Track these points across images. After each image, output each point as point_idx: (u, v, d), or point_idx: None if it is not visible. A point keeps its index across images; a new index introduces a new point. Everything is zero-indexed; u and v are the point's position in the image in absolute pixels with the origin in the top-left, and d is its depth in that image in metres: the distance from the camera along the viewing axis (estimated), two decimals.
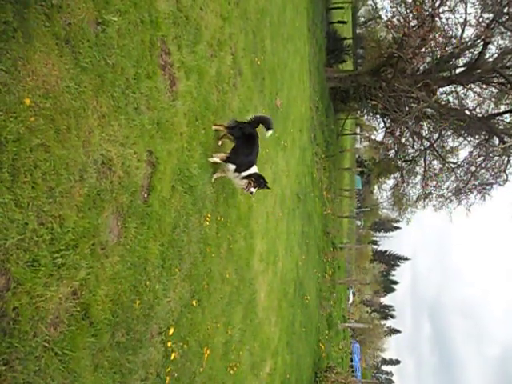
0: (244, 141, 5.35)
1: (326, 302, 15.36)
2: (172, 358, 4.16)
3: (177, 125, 4.47)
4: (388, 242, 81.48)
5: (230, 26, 6.51)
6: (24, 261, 2.37)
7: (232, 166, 5.14)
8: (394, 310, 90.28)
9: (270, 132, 5.61)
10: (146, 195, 3.81)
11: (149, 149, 3.85)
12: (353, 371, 23.05)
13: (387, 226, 76.44)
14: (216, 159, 5.26)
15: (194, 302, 4.74)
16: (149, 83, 3.90)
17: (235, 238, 6.20)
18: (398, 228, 78.42)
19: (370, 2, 37.11)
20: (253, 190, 5.21)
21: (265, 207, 7.97)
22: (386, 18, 20.27)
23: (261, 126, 5.54)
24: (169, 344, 4.11)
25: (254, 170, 5.23)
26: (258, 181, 5.22)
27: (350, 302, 30.39)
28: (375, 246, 72.48)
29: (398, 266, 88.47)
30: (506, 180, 19.65)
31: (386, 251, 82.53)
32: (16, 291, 2.30)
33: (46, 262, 2.52)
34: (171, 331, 4.16)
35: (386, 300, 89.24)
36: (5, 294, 2.24)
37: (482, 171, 20.17)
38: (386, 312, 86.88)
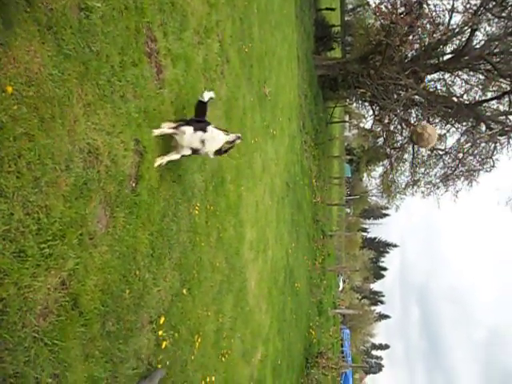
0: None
1: (316, 289, 15.50)
2: (163, 346, 4.18)
3: (164, 113, 4.43)
4: (377, 229, 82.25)
5: (217, 13, 6.43)
6: (10, 251, 2.35)
7: (189, 128, 4.19)
8: (383, 295, 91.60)
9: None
10: (133, 184, 3.78)
11: (136, 137, 3.81)
12: (343, 356, 23.39)
13: (376, 213, 77.13)
14: (164, 129, 4.18)
15: (184, 291, 4.75)
16: (135, 71, 3.84)
17: (225, 226, 6.20)
18: (387, 215, 79.17)
19: None
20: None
21: (254, 196, 7.97)
22: (373, 5, 20.20)
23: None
24: (160, 333, 4.12)
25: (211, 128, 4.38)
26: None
27: (340, 288, 30.73)
28: (365, 234, 73.13)
29: (388, 252, 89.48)
30: (493, 166, 19.90)
31: (375, 238, 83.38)
32: (3, 282, 2.28)
33: (33, 253, 2.50)
34: (162, 320, 4.17)
35: (375, 286, 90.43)
36: None
37: (470, 158, 20.39)
38: (375, 298, 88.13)
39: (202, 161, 5.40)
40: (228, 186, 6.37)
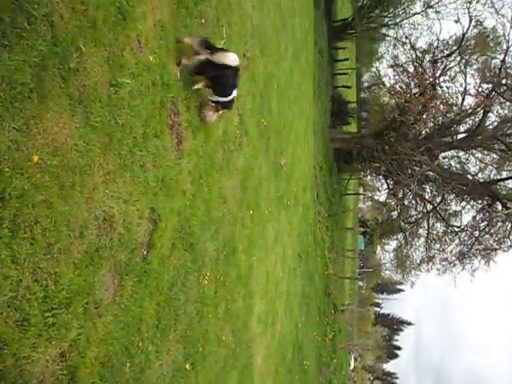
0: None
1: (325, 368, 14.68)
2: None
3: (181, 182, 4.52)
4: (391, 305, 79.32)
5: (239, 89, 6.75)
6: (14, 320, 2.30)
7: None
8: (397, 377, 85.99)
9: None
10: (145, 252, 3.76)
11: (151, 206, 3.86)
12: None
13: (390, 288, 74.84)
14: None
15: (187, 366, 4.54)
16: (156, 142, 3.98)
17: (234, 297, 6.05)
18: (401, 290, 76.66)
19: (373, 69, 38.85)
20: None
21: (265, 266, 7.85)
22: (388, 85, 21.12)
23: None
24: None
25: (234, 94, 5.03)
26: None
27: (352, 367, 29.07)
28: (378, 309, 70.49)
29: (402, 330, 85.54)
30: (510, 246, 19.45)
31: (388, 314, 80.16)
32: (1, 353, 2.21)
33: (36, 322, 2.44)
34: None
35: (388, 366, 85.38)
36: None
37: (486, 236, 20.04)
38: (388, 380, 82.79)
39: (215, 229, 5.41)
40: (239, 256, 6.31)
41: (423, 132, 20.93)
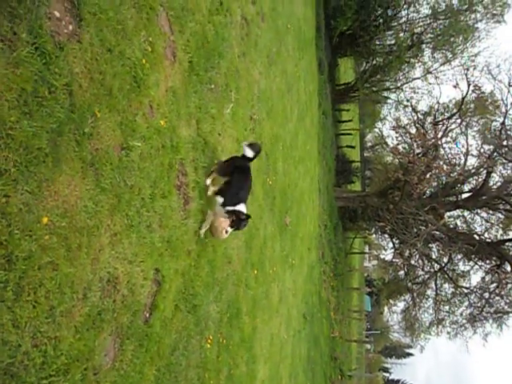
0: (237, 174, 5.12)
1: None
2: None
3: (186, 242, 4.51)
4: (400, 370, 75.49)
5: None
6: None
7: (220, 199, 4.84)
8: None
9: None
10: (147, 315, 3.69)
11: (156, 267, 3.84)
12: None
13: (399, 351, 71.67)
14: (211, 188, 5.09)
15: None
16: (163, 202, 4.03)
17: (236, 362, 5.82)
18: (410, 354, 73.32)
19: (376, 129, 39.90)
20: (229, 229, 4.79)
21: (269, 328, 7.61)
22: (391, 145, 21.60)
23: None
24: None
25: (241, 207, 4.85)
26: (238, 219, 4.80)
27: None
28: (387, 374, 67.08)
29: None
30: None
31: (398, 380, 76.10)
32: None
33: None
34: None
35: None
36: None
37: (497, 298, 19.51)
38: None
39: (219, 290, 5.32)
40: (243, 318, 6.15)
41: (427, 191, 21.05)
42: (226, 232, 4.79)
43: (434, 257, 21.88)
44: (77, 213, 2.80)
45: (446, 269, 21.24)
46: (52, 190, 2.58)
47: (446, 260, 21.02)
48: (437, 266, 21.72)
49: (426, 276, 22.63)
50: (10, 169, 2.30)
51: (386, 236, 24.22)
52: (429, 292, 23.39)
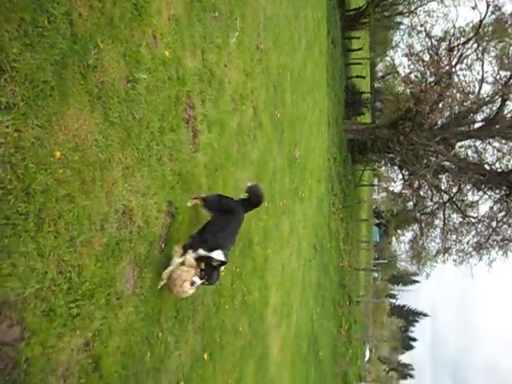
0: (222, 217, 4.21)
1: (341, 359, 14.74)
2: None
3: (197, 176, 4.57)
4: (406, 296, 78.90)
5: (252, 81, 6.77)
6: (40, 310, 2.38)
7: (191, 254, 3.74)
8: (412, 369, 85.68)
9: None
10: (163, 245, 3.83)
11: (169, 199, 3.93)
12: None
13: (406, 279, 74.34)
14: (176, 260, 3.75)
15: (205, 356, 4.63)
16: (172, 136, 4.03)
17: (250, 289, 6.11)
18: (416, 282, 76.11)
19: (387, 58, 38.30)
20: (196, 280, 3.60)
21: (281, 258, 7.90)
22: (403, 74, 20.82)
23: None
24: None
25: (217, 254, 3.77)
26: (210, 267, 3.67)
27: (367, 358, 29.09)
28: (393, 300, 70.15)
29: (417, 321, 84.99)
30: None
31: (404, 306, 79.67)
32: (30, 342, 2.29)
33: (61, 312, 2.53)
34: None
35: (404, 358, 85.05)
36: (18, 345, 2.23)
37: (504, 226, 19.77)
38: (404, 371, 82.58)
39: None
40: (255, 248, 6.36)
41: (439, 122, 20.61)
42: (192, 284, 3.58)
43: (443, 188, 21.93)
44: (88, 147, 2.82)
45: (454, 199, 21.36)
46: (62, 124, 2.58)
47: (455, 190, 21.09)
48: (446, 197, 21.84)
49: (435, 206, 22.85)
50: (19, 103, 2.30)
51: (396, 168, 24.15)
52: (437, 222, 23.73)
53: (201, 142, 4.73)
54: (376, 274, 48.40)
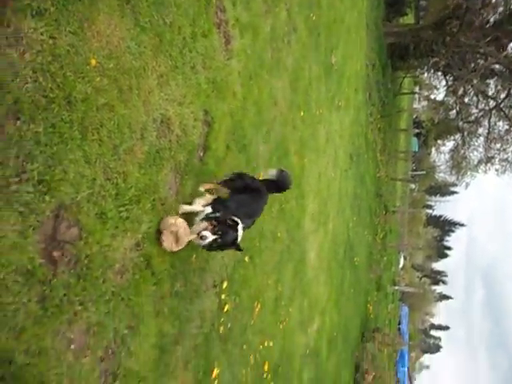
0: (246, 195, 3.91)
1: (376, 265, 15.29)
2: (225, 309, 4.38)
3: (231, 84, 4.49)
4: (443, 207, 78.63)
5: None
6: (94, 213, 2.56)
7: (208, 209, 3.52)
8: (446, 275, 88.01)
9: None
10: (201, 154, 3.91)
11: (205, 108, 3.92)
12: (400, 334, 23.07)
13: (443, 190, 73.42)
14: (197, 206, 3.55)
15: (246, 259, 4.91)
16: (205, 42, 3.91)
17: (287, 198, 6.25)
18: (455, 192, 75.12)
19: None
20: (207, 234, 3.24)
21: (317, 168, 7.91)
22: None
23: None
24: (222, 296, 4.32)
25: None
26: (223, 224, 3.35)
27: (401, 266, 30.02)
28: (430, 211, 70.10)
29: (453, 231, 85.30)
30: None
31: (440, 216, 79.65)
32: (87, 241, 2.50)
33: (112, 215, 2.71)
34: (225, 285, 4.36)
35: (438, 266, 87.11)
36: (78, 243, 2.44)
37: None
38: (437, 278, 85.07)
39: (266, 131, 5.44)
40: (291, 158, 6.38)
41: (491, 19, 18.77)
42: (201, 238, 3.24)
43: (490, 93, 20.61)
44: (122, 54, 2.79)
45: (502, 106, 20.14)
46: (94, 30, 2.54)
47: (503, 96, 19.80)
48: (492, 103, 20.61)
49: (480, 114, 21.70)
50: (49, 8, 2.26)
51: (439, 73, 22.67)
52: (480, 130, 22.72)
53: (234, 48, 4.57)
54: (413, 185, 48.00)
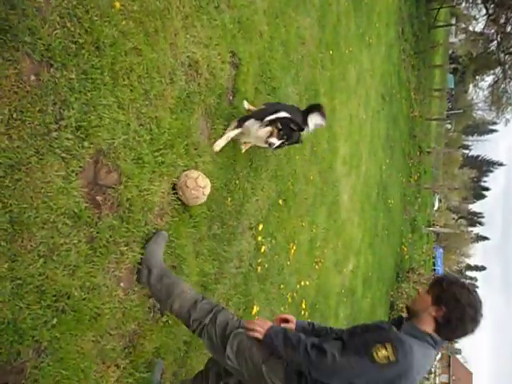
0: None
1: (410, 207, 15.15)
2: (262, 251, 4.51)
3: (257, 23, 4.34)
4: (482, 147, 75.67)
5: None
6: (131, 158, 2.62)
7: (251, 121, 3.52)
8: (483, 217, 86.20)
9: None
10: (231, 97, 3.88)
11: (231, 49, 3.83)
12: (435, 274, 23.18)
13: (481, 129, 70.28)
14: (229, 134, 3.63)
15: (280, 202, 4.97)
16: None
17: (318, 140, 6.18)
18: (494, 131, 71.89)
19: None
20: (275, 141, 3.42)
21: (348, 109, 7.72)
22: None
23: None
24: (259, 238, 4.43)
25: (282, 114, 3.49)
26: (286, 128, 3.40)
27: (436, 208, 29.61)
28: (466, 151, 67.75)
29: (491, 171, 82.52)
30: None
31: (478, 156, 76.89)
32: (127, 185, 2.58)
33: (148, 160, 2.77)
34: (260, 227, 4.46)
35: (475, 207, 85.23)
36: (119, 187, 2.53)
37: None
38: (474, 219, 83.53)
39: (295, 72, 5.31)
40: (321, 99, 6.23)
41: None
42: (270, 146, 3.44)
43: None
44: None
45: None
46: None
47: None
48: None
49: None
50: None
51: (479, 2, 21.09)
52: None
53: None
54: (449, 125, 46.19)
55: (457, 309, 2.18)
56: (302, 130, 3.57)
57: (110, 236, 2.48)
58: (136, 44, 2.66)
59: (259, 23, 4.40)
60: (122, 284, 2.62)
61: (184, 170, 3.14)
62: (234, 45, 3.87)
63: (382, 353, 2.04)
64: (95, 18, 2.36)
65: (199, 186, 3.06)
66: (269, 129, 3.40)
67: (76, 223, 2.27)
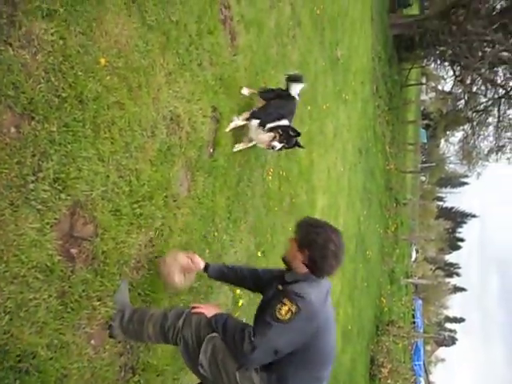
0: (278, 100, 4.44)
1: (388, 258, 15.23)
2: (239, 304, 4.41)
3: (238, 80, 4.51)
4: (455, 198, 77.61)
5: None
6: (108, 210, 2.60)
7: (255, 121, 4.11)
8: (459, 267, 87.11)
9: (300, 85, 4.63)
10: (211, 150, 3.94)
11: (213, 104, 3.94)
12: (415, 327, 22.92)
13: (454, 181, 72.67)
14: (237, 122, 4.19)
15: (259, 254, 4.94)
16: (210, 39, 3.93)
17: (297, 192, 6.26)
18: (465, 184, 74.37)
19: None
20: (277, 144, 4.09)
21: (326, 162, 7.91)
22: None
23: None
24: (237, 292, 4.35)
25: (284, 122, 4.16)
26: (287, 134, 4.08)
27: (413, 258, 29.84)
28: (441, 203, 69.54)
29: (465, 223, 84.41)
30: None
31: (452, 208, 78.89)
32: (103, 237, 2.54)
33: (126, 212, 2.75)
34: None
35: (450, 258, 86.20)
36: (95, 239, 2.48)
37: None
38: (450, 270, 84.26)
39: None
40: (300, 152, 6.38)
41: (497, 6, 18.56)
42: (273, 148, 4.14)
43: (498, 82, 20.40)
44: (130, 52, 2.83)
45: (511, 93, 19.95)
46: (102, 29, 2.58)
47: None
48: (502, 91, 20.41)
49: (489, 103, 21.52)
50: (59, 9, 2.29)
51: (446, 64, 22.47)
52: (490, 119, 22.53)
53: (239, 44, 4.59)
54: (423, 178, 47.64)
55: (317, 249, 2.38)
56: (299, 135, 4.13)
57: (83, 290, 2.40)
58: (119, 98, 2.71)
59: (240, 80, 4.57)
60: (92, 341, 2.51)
61: (162, 224, 3.12)
62: (215, 100, 3.99)
63: (284, 309, 2.17)
64: (80, 74, 2.42)
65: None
66: (272, 134, 4.03)
67: (48, 277, 2.19)
